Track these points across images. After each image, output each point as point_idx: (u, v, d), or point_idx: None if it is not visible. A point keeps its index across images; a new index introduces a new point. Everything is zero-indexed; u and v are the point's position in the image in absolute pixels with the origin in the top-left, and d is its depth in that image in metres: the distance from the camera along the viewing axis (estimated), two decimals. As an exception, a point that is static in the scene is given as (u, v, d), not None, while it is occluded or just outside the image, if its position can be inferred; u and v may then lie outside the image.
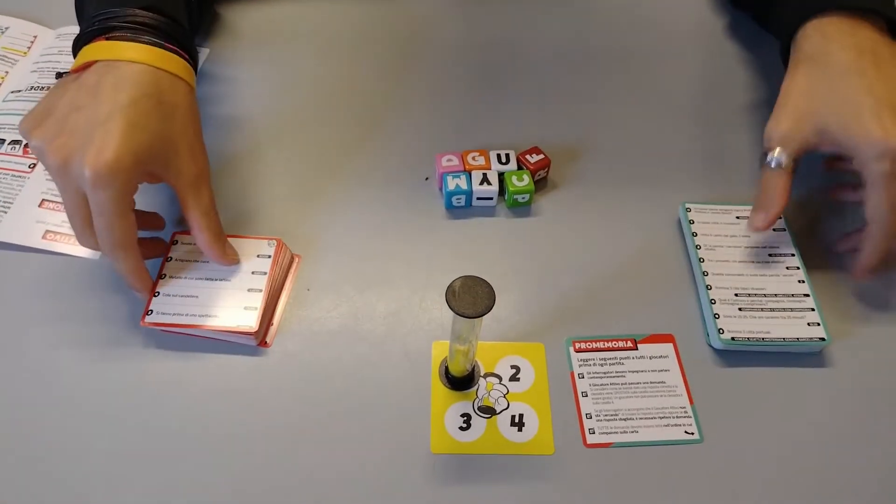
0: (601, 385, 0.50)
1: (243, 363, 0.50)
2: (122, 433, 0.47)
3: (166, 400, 0.49)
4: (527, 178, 0.58)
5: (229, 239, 0.53)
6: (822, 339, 0.50)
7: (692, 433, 0.48)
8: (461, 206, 0.59)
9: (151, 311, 0.51)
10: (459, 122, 0.65)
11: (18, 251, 0.55)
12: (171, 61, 0.49)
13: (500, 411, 0.49)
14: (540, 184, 0.61)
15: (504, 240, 0.58)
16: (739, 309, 0.51)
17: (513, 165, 0.59)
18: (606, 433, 0.48)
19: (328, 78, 0.68)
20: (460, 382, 0.49)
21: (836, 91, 0.50)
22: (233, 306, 0.50)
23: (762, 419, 0.49)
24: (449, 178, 0.58)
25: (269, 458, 0.46)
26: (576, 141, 0.64)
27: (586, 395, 0.50)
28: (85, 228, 0.47)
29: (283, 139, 0.63)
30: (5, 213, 0.57)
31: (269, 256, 0.53)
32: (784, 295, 0.53)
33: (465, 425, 0.48)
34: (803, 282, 0.53)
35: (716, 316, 0.51)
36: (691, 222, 0.57)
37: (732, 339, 0.50)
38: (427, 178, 0.61)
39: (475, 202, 0.59)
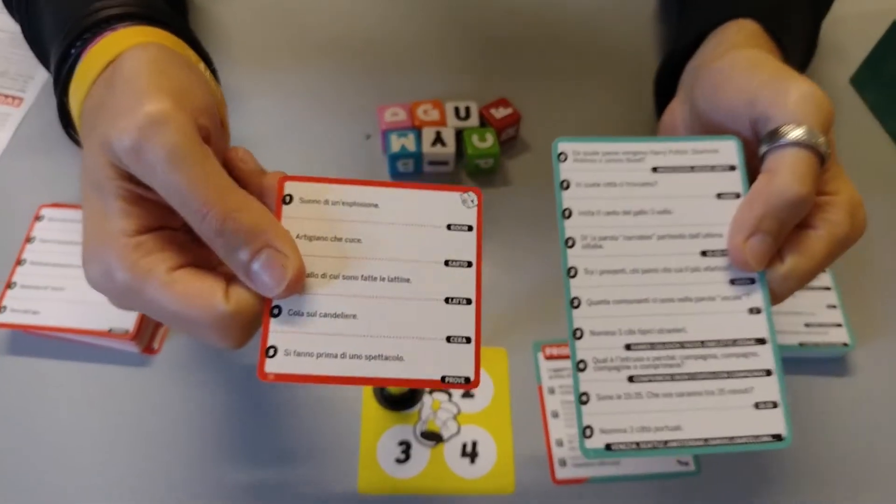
0: (576, 403, 0.40)
1: (121, 375, 0.40)
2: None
3: (20, 421, 0.38)
4: (491, 138, 0.48)
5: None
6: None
7: (686, 463, 0.39)
8: (409, 172, 0.49)
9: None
10: (408, 66, 0.54)
11: None
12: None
13: (449, 437, 0.39)
14: (507, 144, 0.50)
15: (461, 215, 0.47)
16: (630, 379, 0.29)
17: (474, 121, 0.49)
18: (581, 465, 0.39)
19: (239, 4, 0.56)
20: (399, 401, 0.40)
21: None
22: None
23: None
24: (393, 138, 0.47)
25: (149, 501, 0.36)
26: (551, 92, 0.53)
27: (557, 416, 0.40)
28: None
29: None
30: None
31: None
32: (720, 342, 0.30)
33: (402, 456, 0.38)
34: (759, 311, 0.30)
35: (582, 399, 0.28)
36: (564, 186, 0.31)
37: (608, 447, 0.28)
38: (368, 137, 0.50)
39: (427, 167, 0.49)
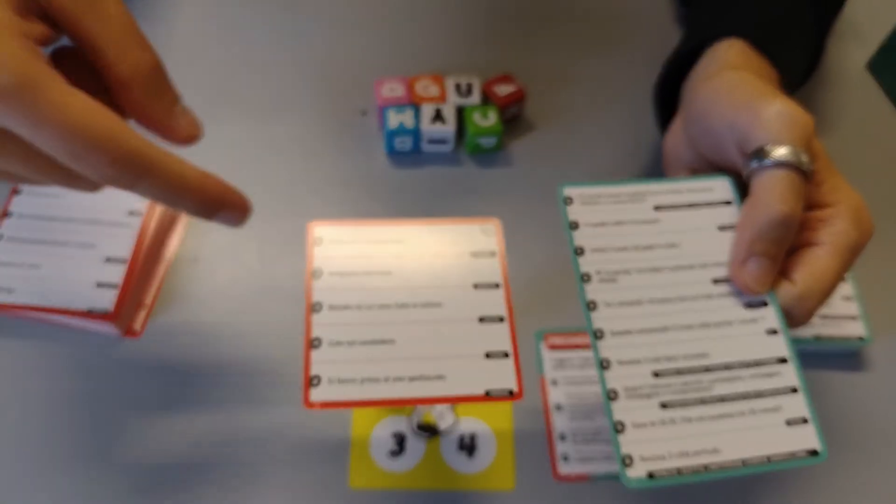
0: (581, 395, 0.38)
1: (100, 358, 0.38)
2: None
3: (-9, 409, 0.36)
4: (493, 116, 0.46)
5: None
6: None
7: (694, 459, 0.37)
8: (407, 151, 0.47)
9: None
10: (408, 39, 0.51)
11: None
12: None
13: (446, 430, 0.37)
14: (511, 123, 0.48)
15: (462, 196, 0.45)
16: (662, 405, 0.29)
17: (476, 98, 0.47)
18: (584, 460, 0.37)
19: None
20: (393, 390, 0.37)
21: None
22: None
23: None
24: (391, 114, 0.45)
25: (124, 497, 0.34)
26: (558, 68, 0.51)
27: (560, 409, 0.38)
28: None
29: (170, 53, 0.49)
30: None
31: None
32: (744, 364, 0.30)
33: (397, 449, 0.36)
34: (777, 332, 0.30)
35: (618, 428, 0.28)
36: (573, 227, 0.32)
37: (650, 475, 0.27)
38: (364, 113, 0.48)
39: (425, 146, 0.47)
